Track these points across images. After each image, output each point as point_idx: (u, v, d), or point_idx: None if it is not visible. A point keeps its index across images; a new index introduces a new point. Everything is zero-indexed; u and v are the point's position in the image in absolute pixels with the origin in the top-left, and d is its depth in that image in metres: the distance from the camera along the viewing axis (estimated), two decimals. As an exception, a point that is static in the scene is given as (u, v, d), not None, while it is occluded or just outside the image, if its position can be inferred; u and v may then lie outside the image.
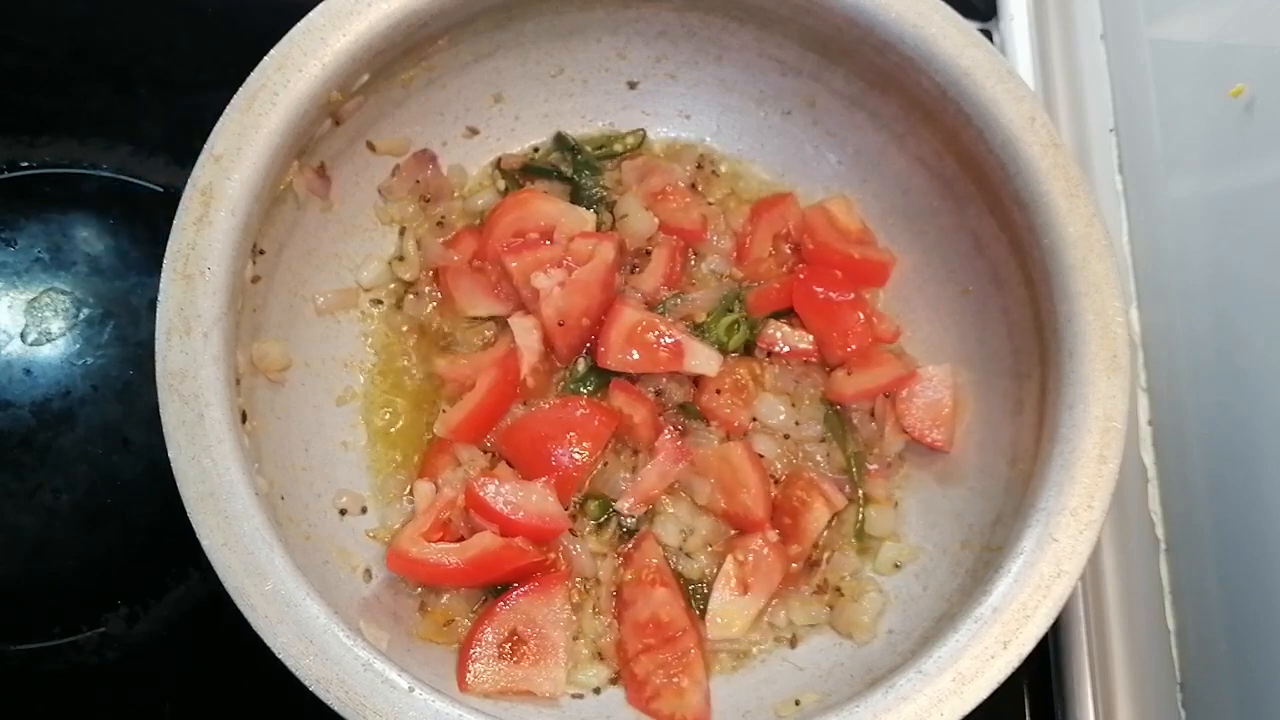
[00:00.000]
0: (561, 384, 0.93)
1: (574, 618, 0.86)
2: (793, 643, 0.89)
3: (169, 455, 0.73)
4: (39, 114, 1.05)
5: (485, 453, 0.90)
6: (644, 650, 0.84)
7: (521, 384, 0.91)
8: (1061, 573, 0.76)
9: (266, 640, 0.70)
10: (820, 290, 0.94)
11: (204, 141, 0.78)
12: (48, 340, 0.99)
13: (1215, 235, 0.92)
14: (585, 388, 0.92)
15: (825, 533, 0.91)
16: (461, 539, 0.84)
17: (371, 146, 0.94)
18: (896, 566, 0.91)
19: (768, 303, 0.95)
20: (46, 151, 1.04)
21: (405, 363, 0.94)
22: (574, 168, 0.99)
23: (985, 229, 0.92)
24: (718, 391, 0.92)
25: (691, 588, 0.89)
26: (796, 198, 1.01)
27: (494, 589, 0.86)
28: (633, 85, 1.02)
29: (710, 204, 1.00)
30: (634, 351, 0.90)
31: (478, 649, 0.82)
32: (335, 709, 0.69)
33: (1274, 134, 0.85)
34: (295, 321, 0.89)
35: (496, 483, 0.85)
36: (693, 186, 1.00)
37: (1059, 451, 0.80)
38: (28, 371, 0.98)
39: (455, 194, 0.99)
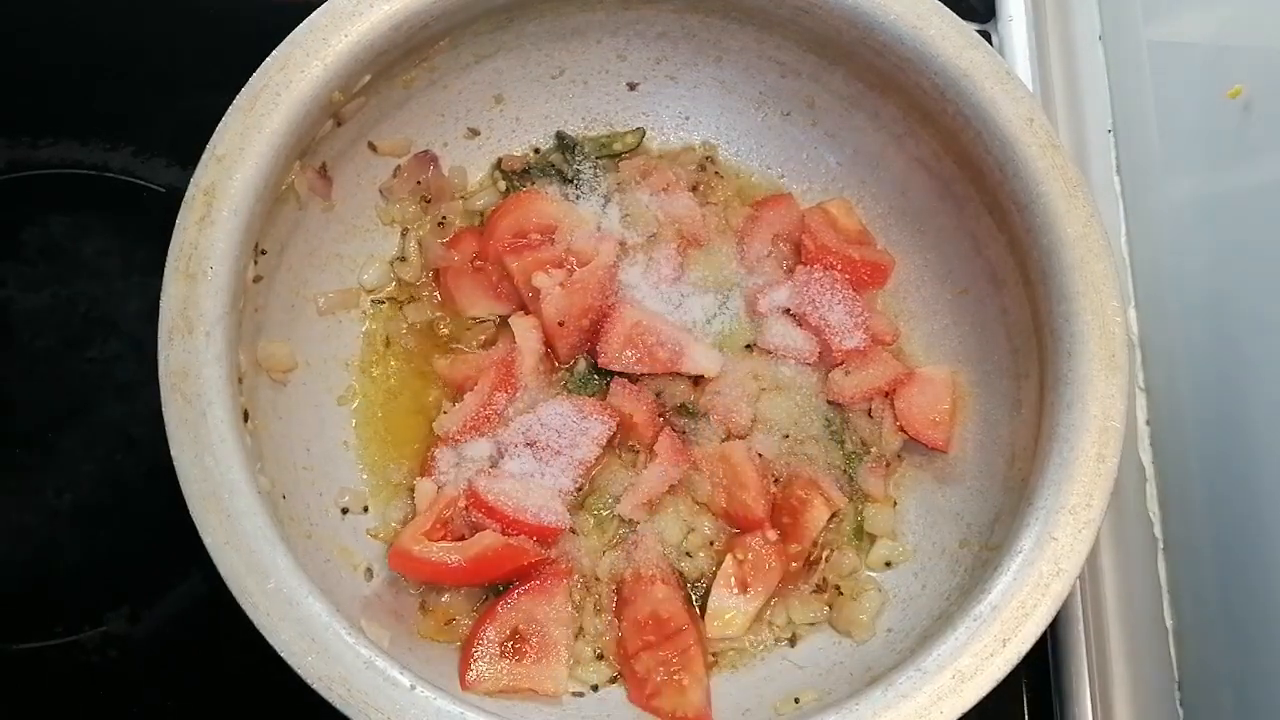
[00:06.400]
0: (562, 384, 0.93)
1: (575, 616, 0.87)
2: (792, 641, 0.89)
3: (171, 454, 0.73)
4: (41, 116, 1.06)
5: (486, 452, 0.90)
6: (644, 647, 0.84)
7: (522, 384, 0.91)
8: (1060, 571, 0.77)
9: (269, 639, 0.70)
10: (820, 290, 0.95)
11: (206, 142, 0.79)
12: (51, 340, 0.99)
13: (1213, 235, 0.93)
14: (586, 388, 0.92)
15: (824, 532, 0.91)
16: (463, 538, 0.84)
17: (373, 147, 0.94)
18: (888, 564, 0.91)
19: (769, 305, 0.96)
20: (49, 153, 1.04)
21: (406, 363, 0.95)
22: (574, 168, 0.99)
23: (984, 229, 0.92)
24: (718, 392, 0.92)
25: (691, 586, 0.90)
26: (796, 198, 1.02)
27: (495, 587, 0.86)
28: (633, 87, 1.02)
29: (710, 204, 1.00)
30: (634, 351, 0.90)
31: (479, 647, 0.82)
32: (337, 707, 0.70)
33: (1271, 135, 0.86)
34: (297, 321, 0.90)
35: (498, 481, 0.85)
36: (693, 187, 1.00)
37: (1057, 450, 0.80)
38: (30, 371, 0.98)
39: (456, 195, 0.99)
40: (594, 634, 0.87)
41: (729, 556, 0.89)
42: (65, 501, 0.95)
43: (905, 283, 1.00)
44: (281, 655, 0.70)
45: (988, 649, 0.74)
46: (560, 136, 1.01)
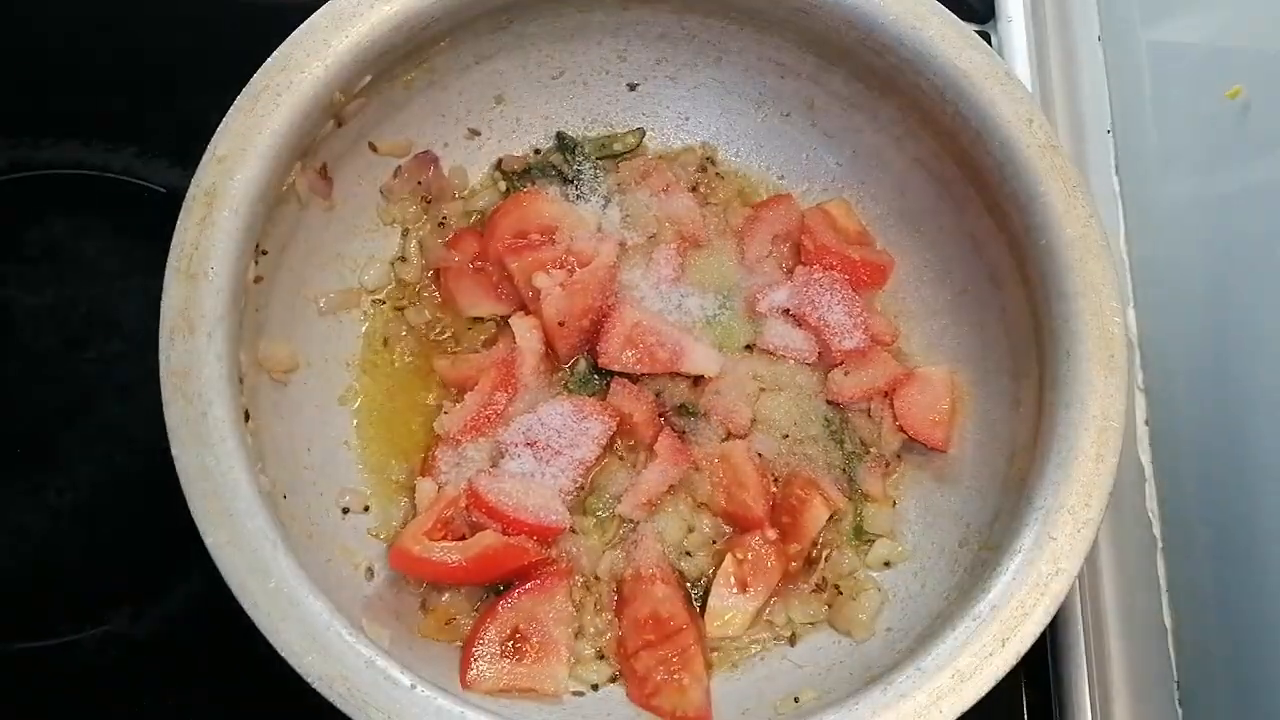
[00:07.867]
0: (562, 384, 0.93)
1: (576, 615, 0.87)
2: (792, 640, 0.89)
3: (172, 454, 0.73)
4: (42, 116, 1.06)
5: (486, 452, 0.90)
6: (644, 646, 0.84)
7: (522, 384, 0.91)
8: (1059, 571, 0.77)
9: (269, 638, 0.70)
10: (820, 291, 0.95)
11: (207, 143, 0.79)
12: (51, 340, 0.99)
13: (1212, 235, 0.93)
14: (586, 388, 0.93)
15: (824, 532, 0.91)
16: (463, 537, 0.85)
17: (373, 147, 0.94)
18: (887, 564, 0.92)
19: (768, 305, 0.96)
20: (50, 154, 1.04)
21: (407, 363, 0.95)
22: (574, 168, 0.99)
23: (983, 230, 0.93)
24: (717, 392, 0.92)
25: (691, 586, 0.90)
26: (795, 198, 1.02)
27: (496, 587, 0.86)
28: (633, 87, 1.02)
29: (710, 205, 1.00)
30: (634, 351, 0.91)
31: (480, 647, 0.82)
32: (338, 706, 0.70)
33: (1270, 135, 0.86)
34: (298, 321, 0.90)
35: (498, 481, 0.85)
36: (693, 188, 1.01)
37: (1056, 450, 0.80)
38: (30, 371, 0.98)
39: (457, 195, 0.99)
40: (594, 633, 0.87)
41: (729, 556, 0.89)
42: (65, 501, 0.95)
43: (905, 283, 1.00)
44: (282, 655, 0.70)
45: (987, 648, 0.75)
46: (560, 137, 1.01)
